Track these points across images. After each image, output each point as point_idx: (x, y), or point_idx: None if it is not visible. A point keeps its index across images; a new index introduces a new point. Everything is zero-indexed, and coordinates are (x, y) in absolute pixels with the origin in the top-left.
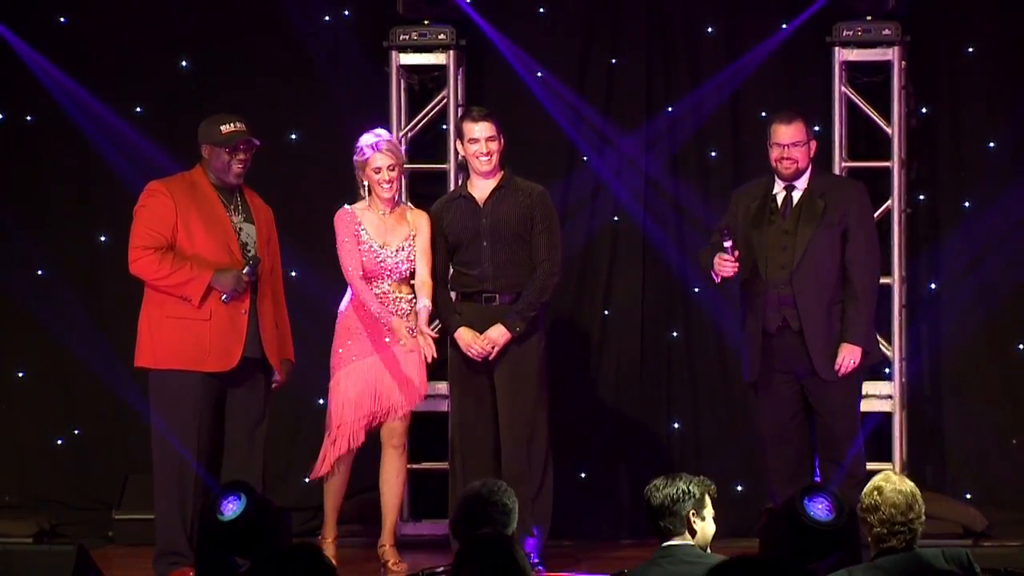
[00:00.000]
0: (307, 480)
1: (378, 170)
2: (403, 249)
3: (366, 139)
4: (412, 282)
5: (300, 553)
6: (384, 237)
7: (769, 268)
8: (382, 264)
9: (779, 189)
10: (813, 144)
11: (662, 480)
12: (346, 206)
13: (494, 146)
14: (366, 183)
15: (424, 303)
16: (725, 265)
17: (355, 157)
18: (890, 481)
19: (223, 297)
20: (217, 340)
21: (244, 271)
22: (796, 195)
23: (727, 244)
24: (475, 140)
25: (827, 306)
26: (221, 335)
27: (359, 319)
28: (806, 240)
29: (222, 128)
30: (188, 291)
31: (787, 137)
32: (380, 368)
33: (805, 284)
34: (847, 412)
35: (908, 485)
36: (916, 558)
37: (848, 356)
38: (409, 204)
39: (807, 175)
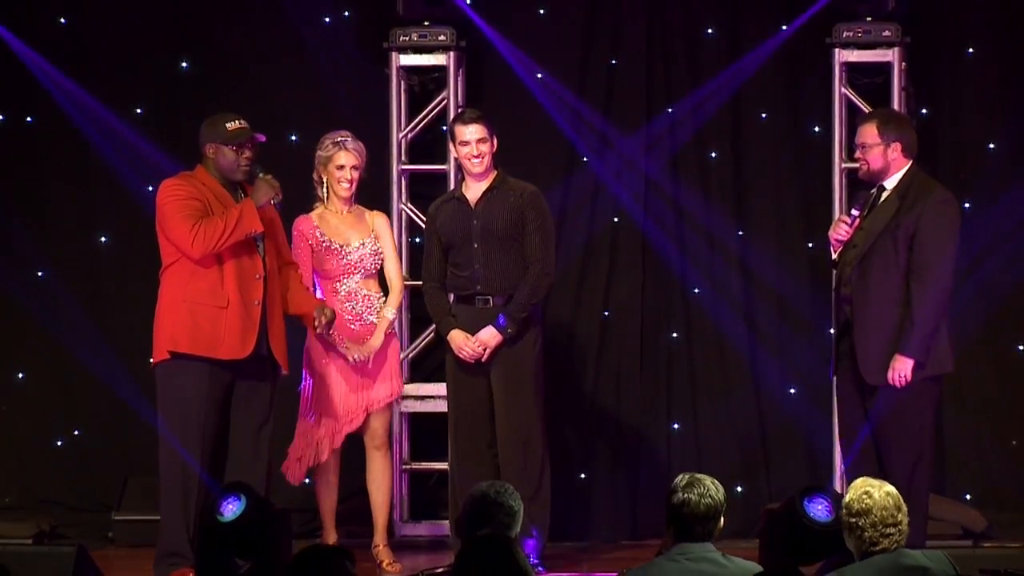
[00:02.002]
0: (307, 481)
1: (341, 168)
2: (363, 245)
3: (331, 136)
4: (378, 284)
5: (322, 555)
6: (344, 236)
7: (843, 264)
8: (347, 262)
9: (875, 188)
10: (895, 146)
11: (701, 486)
12: (304, 215)
13: (485, 148)
14: (325, 181)
15: (388, 314)
16: (840, 226)
17: (318, 151)
18: (873, 486)
19: (274, 201)
20: (233, 327)
21: (261, 175)
22: (883, 195)
23: (855, 211)
24: (466, 143)
25: (882, 310)
26: (237, 323)
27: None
28: (870, 241)
29: (227, 126)
30: (247, 224)
31: (857, 138)
32: (348, 370)
33: (861, 284)
34: (894, 424)
35: (891, 488)
36: (904, 556)
37: (898, 368)
38: (362, 207)
39: (899, 176)
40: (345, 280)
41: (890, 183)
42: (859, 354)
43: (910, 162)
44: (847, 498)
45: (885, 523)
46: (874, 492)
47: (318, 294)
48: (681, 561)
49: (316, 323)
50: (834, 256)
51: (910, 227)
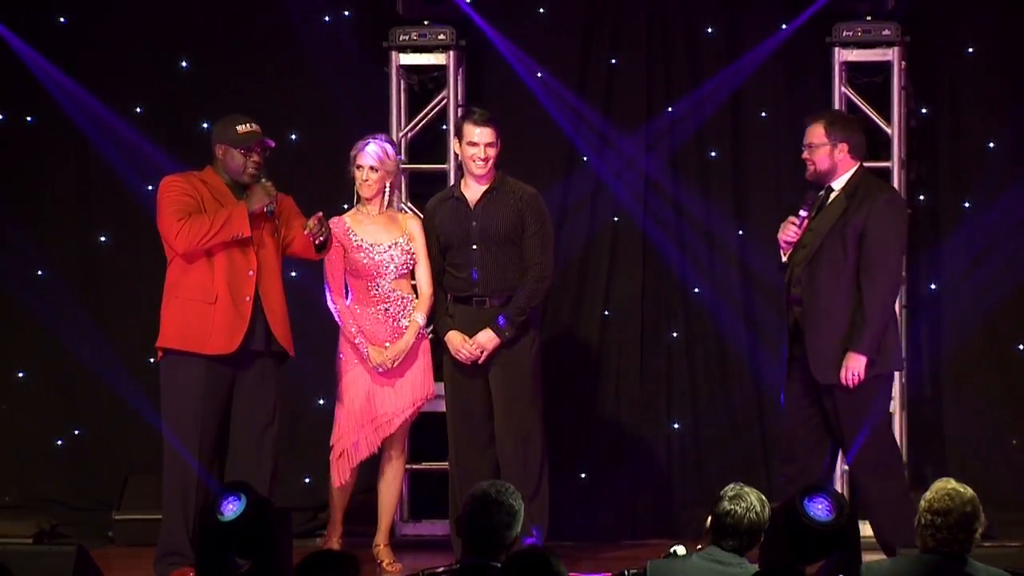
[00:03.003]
0: (307, 480)
1: (360, 168)
2: (395, 245)
3: (365, 137)
4: (413, 282)
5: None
6: (375, 236)
7: (794, 263)
8: (377, 261)
9: (824, 189)
10: (842, 147)
11: (748, 502)
12: (337, 216)
13: (492, 152)
14: (356, 178)
15: (418, 319)
16: (788, 228)
17: (351, 151)
18: (958, 489)
19: (267, 209)
20: (220, 322)
21: (261, 181)
22: (832, 196)
23: (803, 212)
24: (474, 144)
25: (831, 309)
26: (224, 318)
27: (347, 324)
28: (819, 241)
29: (238, 128)
30: (235, 227)
31: (804, 138)
32: (378, 375)
33: (811, 284)
34: (846, 423)
35: (972, 494)
36: (969, 566)
37: (851, 366)
38: (403, 208)
39: (847, 177)
40: (378, 280)
41: (838, 184)
42: (810, 354)
43: (858, 163)
44: (928, 495)
45: (961, 527)
46: (956, 496)
47: (350, 296)
48: (709, 561)
49: (310, 233)
50: (783, 258)
51: (858, 226)
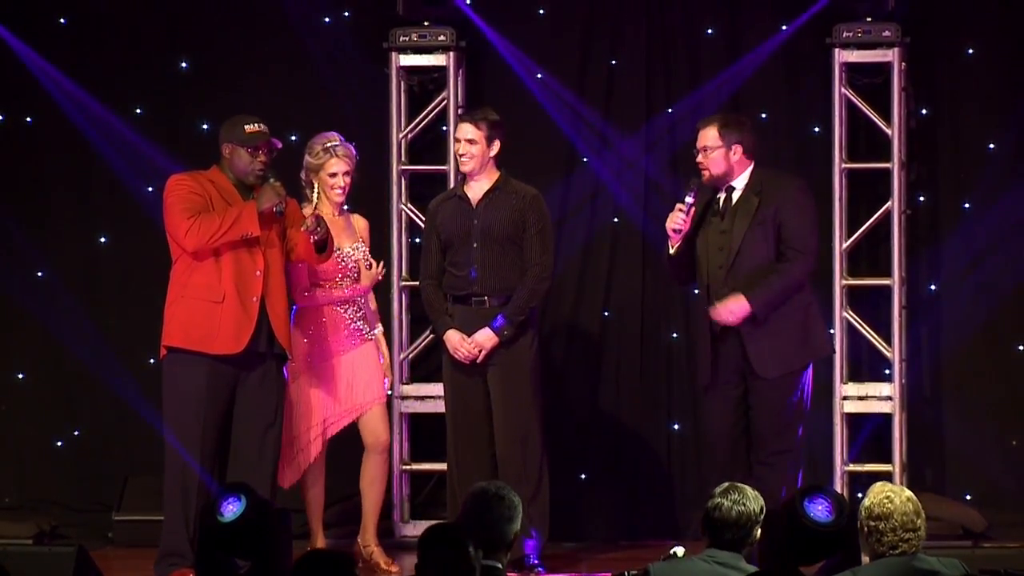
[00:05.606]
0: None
1: (334, 175)
2: (356, 249)
3: (321, 141)
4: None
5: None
6: (338, 239)
7: (710, 270)
8: (342, 266)
9: (722, 191)
10: (736, 148)
11: (737, 494)
12: None
13: (474, 149)
14: (316, 186)
15: (378, 330)
16: (676, 215)
17: (308, 157)
18: (894, 491)
19: (276, 209)
20: (227, 322)
21: (270, 181)
22: (735, 195)
23: (689, 199)
24: (457, 140)
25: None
26: (231, 318)
27: (302, 325)
28: (739, 238)
29: (246, 128)
30: (244, 226)
31: (698, 142)
32: (330, 374)
33: (739, 283)
34: (779, 411)
35: (909, 492)
36: (918, 561)
37: (732, 306)
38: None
39: (746, 175)
40: (338, 282)
41: (739, 183)
42: (748, 348)
43: (752, 163)
44: (867, 502)
45: (905, 527)
46: (895, 497)
47: (304, 294)
48: (710, 562)
49: (307, 230)
50: (671, 250)
51: (775, 216)
